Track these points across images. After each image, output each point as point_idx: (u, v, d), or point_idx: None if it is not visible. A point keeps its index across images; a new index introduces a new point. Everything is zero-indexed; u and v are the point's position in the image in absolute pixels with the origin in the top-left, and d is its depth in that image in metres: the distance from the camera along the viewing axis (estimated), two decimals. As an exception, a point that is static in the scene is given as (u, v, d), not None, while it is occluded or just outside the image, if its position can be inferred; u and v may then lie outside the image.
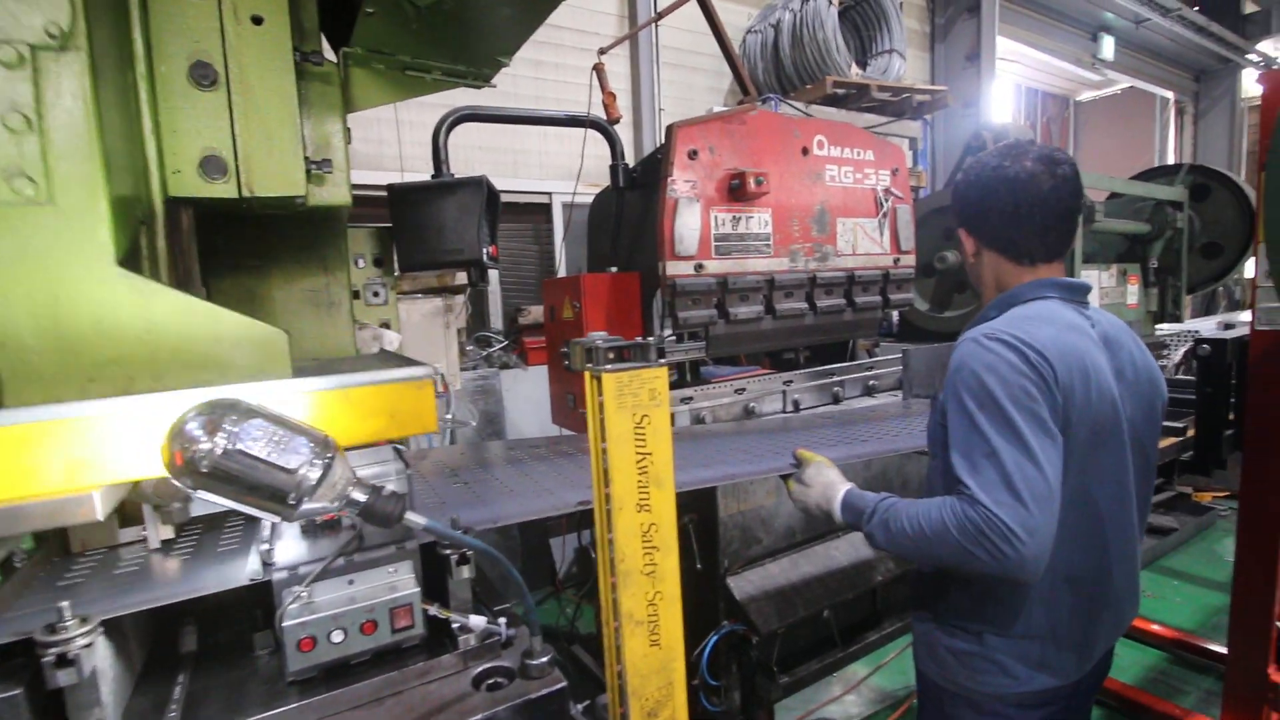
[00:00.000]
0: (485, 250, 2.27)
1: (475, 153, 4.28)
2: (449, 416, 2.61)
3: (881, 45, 4.85)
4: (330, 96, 1.34)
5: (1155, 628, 3.18)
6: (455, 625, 1.06)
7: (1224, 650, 2.67)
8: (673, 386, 2.84)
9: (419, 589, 1.05)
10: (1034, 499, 1.06)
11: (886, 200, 2.88)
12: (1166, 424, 1.97)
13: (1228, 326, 2.81)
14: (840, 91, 4.36)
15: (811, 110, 4.12)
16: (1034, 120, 9.69)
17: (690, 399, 2.51)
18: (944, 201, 3.71)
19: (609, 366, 1.07)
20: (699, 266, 2.37)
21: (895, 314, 4.19)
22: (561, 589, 4.03)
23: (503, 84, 4.42)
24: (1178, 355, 5.60)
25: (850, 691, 3.05)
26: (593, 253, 3.00)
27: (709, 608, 2.44)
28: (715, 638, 2.36)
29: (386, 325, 2.27)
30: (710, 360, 3.80)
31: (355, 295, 2.23)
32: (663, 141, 2.36)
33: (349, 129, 1.44)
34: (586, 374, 1.11)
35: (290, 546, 1.14)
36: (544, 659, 1.02)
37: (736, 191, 2.39)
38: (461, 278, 2.81)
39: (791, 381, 2.77)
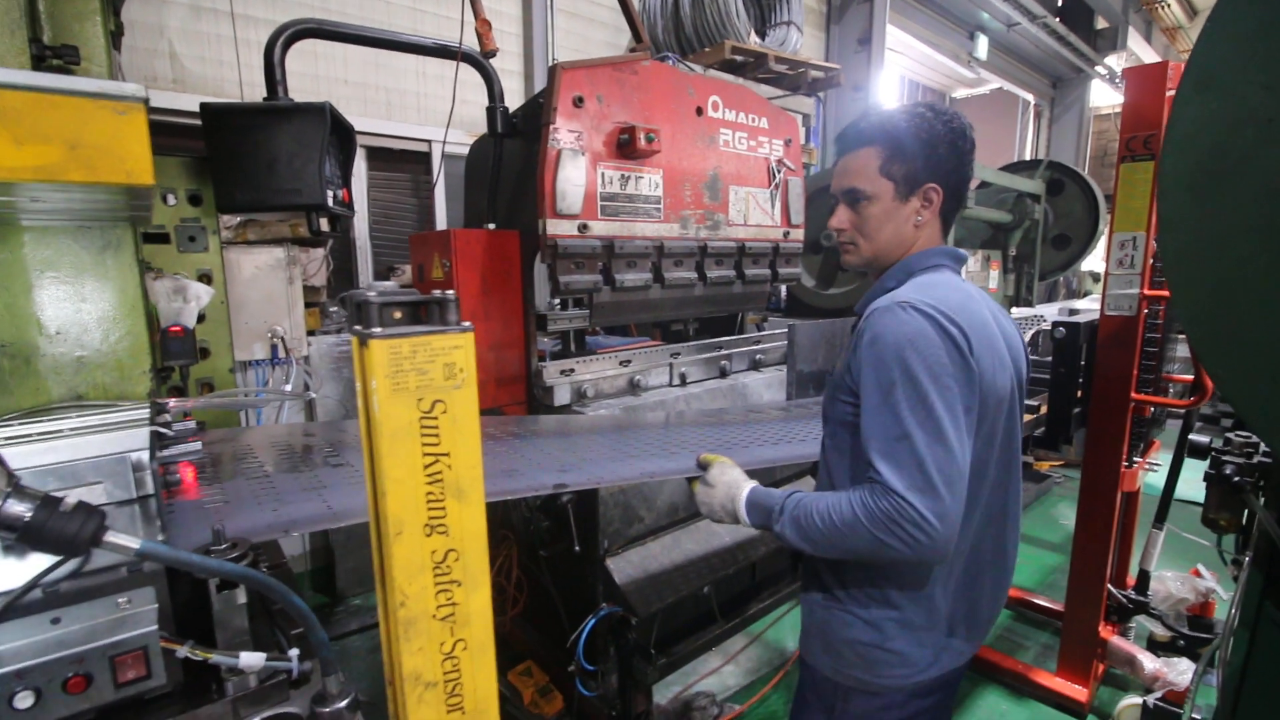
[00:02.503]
0: (333, 193, 1.95)
1: (339, 87, 3.78)
2: (288, 387, 2.27)
3: (780, 16, 4.80)
4: (81, -38, 1.01)
5: (1001, 588, 3.43)
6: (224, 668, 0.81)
7: (1060, 608, 2.92)
8: (555, 357, 2.65)
9: (155, 627, 0.77)
10: (945, 483, 1.05)
11: (779, 171, 2.81)
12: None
13: (1073, 312, 3.04)
14: (739, 58, 4.26)
15: (710, 75, 3.99)
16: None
17: (571, 371, 2.32)
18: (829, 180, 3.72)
19: (379, 330, 0.75)
20: (583, 227, 2.18)
21: (784, 289, 4.22)
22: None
23: (374, 16, 3.96)
24: (1026, 337, 6.12)
25: (729, 663, 3.07)
26: (470, 208, 2.72)
27: (587, 590, 2.32)
28: (593, 621, 2.25)
29: (207, 278, 1.91)
30: (600, 330, 3.65)
31: (164, 238, 1.85)
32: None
33: (117, 18, 1.10)
34: (354, 341, 0.80)
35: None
36: (341, 704, 0.81)
37: (626, 148, 2.20)
38: (324, 228, 2.44)
39: (679, 354, 2.67)
